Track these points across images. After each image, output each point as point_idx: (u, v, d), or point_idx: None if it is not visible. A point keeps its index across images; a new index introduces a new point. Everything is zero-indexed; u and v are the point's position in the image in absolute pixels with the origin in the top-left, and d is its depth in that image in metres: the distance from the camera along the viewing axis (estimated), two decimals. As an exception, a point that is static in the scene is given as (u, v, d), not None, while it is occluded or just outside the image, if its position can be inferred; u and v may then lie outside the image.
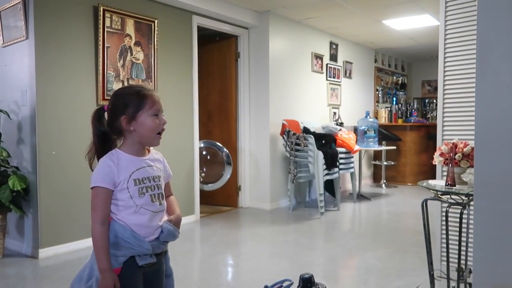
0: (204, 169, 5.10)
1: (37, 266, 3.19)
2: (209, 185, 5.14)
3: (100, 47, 3.64)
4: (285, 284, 1.96)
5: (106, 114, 1.49)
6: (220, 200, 5.39)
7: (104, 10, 3.65)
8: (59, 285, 2.79)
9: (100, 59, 3.65)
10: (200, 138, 4.96)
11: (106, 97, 3.68)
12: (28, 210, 3.42)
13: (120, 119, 1.43)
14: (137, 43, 3.95)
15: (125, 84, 3.84)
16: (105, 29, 3.67)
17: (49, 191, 3.38)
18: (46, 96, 3.36)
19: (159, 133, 1.49)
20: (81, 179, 3.50)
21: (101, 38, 3.64)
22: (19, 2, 3.32)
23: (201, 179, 4.99)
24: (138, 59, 3.97)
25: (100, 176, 1.40)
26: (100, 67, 3.65)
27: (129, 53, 3.88)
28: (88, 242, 3.52)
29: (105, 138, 1.48)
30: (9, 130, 3.56)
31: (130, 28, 3.88)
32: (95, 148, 1.48)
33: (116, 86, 3.77)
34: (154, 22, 4.07)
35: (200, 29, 4.75)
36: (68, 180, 3.47)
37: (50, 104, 3.38)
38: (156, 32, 4.09)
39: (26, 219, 3.46)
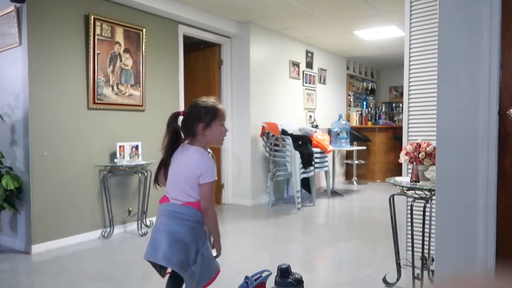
0: (190, 168, 5.06)
1: (30, 261, 3.11)
2: (195, 183, 5.09)
3: (91, 53, 3.57)
4: (264, 274, 1.96)
5: (180, 117, 1.76)
6: (204, 197, 5.34)
7: (94, 18, 3.58)
8: (51, 278, 2.73)
9: (91, 65, 3.58)
10: (186, 139, 4.91)
11: (96, 101, 3.61)
12: (21, 208, 3.33)
13: (197, 125, 1.68)
14: (126, 50, 3.89)
15: (115, 89, 3.78)
16: (96, 37, 3.60)
17: (41, 190, 3.29)
18: (39, 100, 3.28)
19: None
20: (72, 178, 3.43)
21: (91, 45, 3.57)
22: (13, 10, 3.24)
23: (187, 178, 4.95)
24: (127, 65, 3.91)
25: (214, 171, 1.67)
26: (91, 73, 3.58)
27: (118, 60, 3.82)
28: (78, 238, 3.46)
29: (177, 134, 1.72)
30: (3, 132, 3.46)
31: (119, 36, 3.82)
32: (170, 140, 1.71)
33: (106, 90, 3.71)
34: (142, 30, 4.02)
35: (186, 38, 4.71)
36: (59, 180, 3.39)
37: (42, 107, 3.30)
38: (144, 40, 4.04)
39: (19, 216, 3.36)
